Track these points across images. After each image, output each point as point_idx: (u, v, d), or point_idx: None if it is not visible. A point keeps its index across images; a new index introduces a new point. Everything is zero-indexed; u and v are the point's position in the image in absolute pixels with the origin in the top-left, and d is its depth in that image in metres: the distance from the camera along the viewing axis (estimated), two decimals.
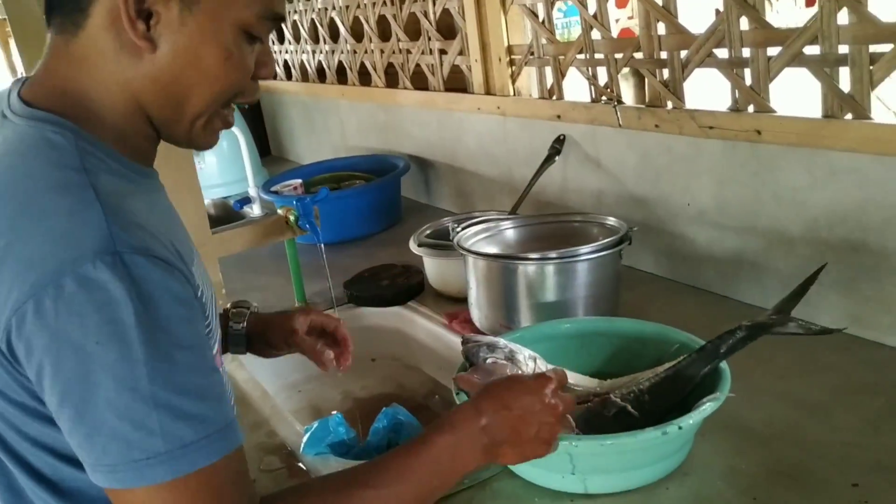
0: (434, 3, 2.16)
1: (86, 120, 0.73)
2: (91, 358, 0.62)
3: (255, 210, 2.62)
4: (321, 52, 2.93)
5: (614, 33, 1.62)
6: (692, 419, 0.93)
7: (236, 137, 2.68)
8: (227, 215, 2.98)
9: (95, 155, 0.71)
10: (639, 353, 1.18)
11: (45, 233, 0.64)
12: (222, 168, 2.99)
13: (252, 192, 2.62)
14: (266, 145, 3.66)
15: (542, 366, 1.11)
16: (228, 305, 1.17)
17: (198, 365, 0.67)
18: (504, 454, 0.86)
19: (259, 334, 1.15)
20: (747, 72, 1.34)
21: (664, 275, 1.65)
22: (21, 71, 3.43)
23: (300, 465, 1.16)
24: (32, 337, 0.63)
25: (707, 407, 0.95)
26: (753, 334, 1.02)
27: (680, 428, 0.92)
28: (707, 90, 1.61)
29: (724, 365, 1.03)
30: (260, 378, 1.48)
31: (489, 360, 1.10)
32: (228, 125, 0.81)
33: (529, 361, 1.11)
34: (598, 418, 1.06)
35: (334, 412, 1.21)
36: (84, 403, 0.63)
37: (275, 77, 3.52)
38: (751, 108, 1.36)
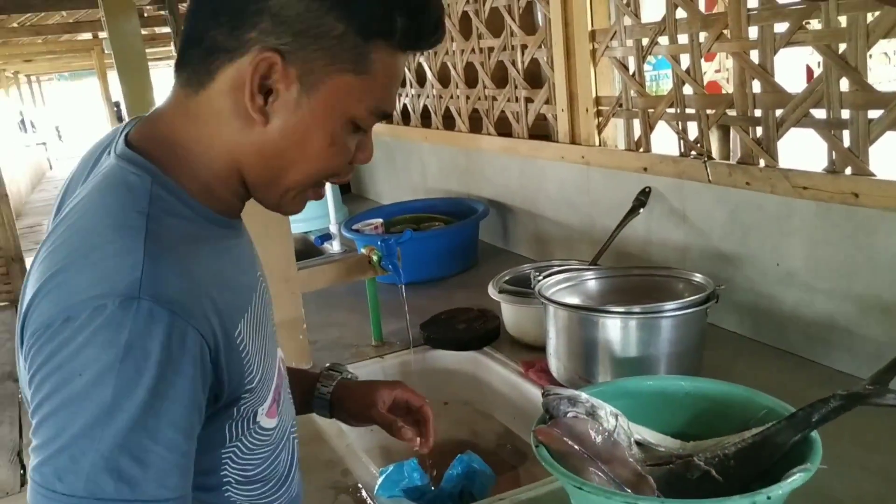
0: (522, 53, 2.19)
1: (177, 168, 0.76)
2: (70, 385, 0.64)
3: (334, 246, 2.67)
4: (407, 96, 2.99)
5: None
6: (781, 489, 0.89)
7: None
8: (307, 250, 3.05)
9: (168, 200, 0.74)
10: (724, 416, 1.15)
11: (90, 267, 0.68)
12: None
13: (333, 228, 2.66)
14: (347, 183, 3.73)
15: (624, 423, 1.09)
16: (326, 366, 1.16)
17: (159, 434, 0.66)
18: None
19: (340, 401, 1.12)
20: (846, 133, 1.32)
21: (749, 335, 1.61)
22: (116, 99, 3.60)
23: None
24: (42, 349, 0.66)
25: (797, 478, 0.91)
26: (849, 405, 0.98)
27: (768, 498, 0.88)
28: (797, 148, 1.58)
29: (814, 435, 1.00)
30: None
31: (570, 414, 1.08)
32: (319, 198, 0.84)
33: (611, 418, 1.09)
34: (681, 481, 1.03)
35: (411, 458, 1.21)
36: (47, 418, 0.65)
37: None
38: (848, 171, 1.33)
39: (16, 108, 15.14)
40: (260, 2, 0.72)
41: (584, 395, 1.10)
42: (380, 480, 1.17)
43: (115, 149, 0.78)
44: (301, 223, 3.05)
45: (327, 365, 1.16)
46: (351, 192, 3.73)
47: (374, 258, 1.68)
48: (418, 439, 1.08)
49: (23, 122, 15.11)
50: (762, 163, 1.49)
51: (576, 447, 1.05)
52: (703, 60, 1.61)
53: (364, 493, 1.20)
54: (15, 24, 7.74)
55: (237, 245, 0.85)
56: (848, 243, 1.35)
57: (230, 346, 0.73)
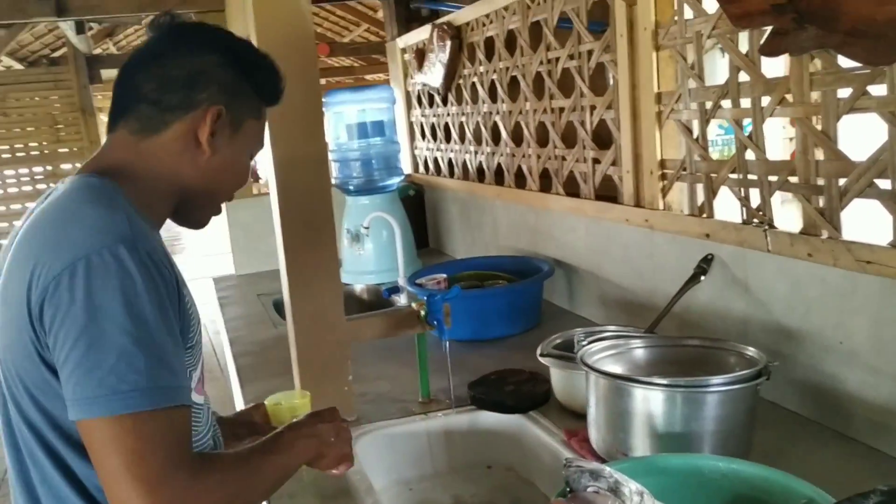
0: (591, 114, 2.17)
1: (123, 182, 1.01)
2: (104, 312, 0.87)
3: (401, 299, 2.69)
4: (482, 153, 3.01)
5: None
6: None
7: (393, 228, 2.79)
8: (377, 301, 3.08)
9: (121, 198, 0.99)
10: (762, 503, 1.07)
11: (84, 227, 0.92)
12: (378, 256, 3.10)
13: (401, 281, 2.69)
14: (426, 237, 3.77)
15: (650, 502, 1.03)
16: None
17: (172, 338, 0.93)
18: (325, 454, 1.16)
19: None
20: None
21: (809, 416, 1.50)
22: None
23: None
24: (62, 295, 0.88)
25: None
26: (890, 501, 0.90)
27: None
28: (868, 221, 1.49)
29: None
30: (370, 472, 1.48)
31: (591, 489, 1.03)
32: (219, 211, 1.18)
33: (636, 496, 1.03)
34: None
35: None
36: (92, 344, 0.87)
37: (427, 172, 3.66)
38: None
39: None
40: (207, 75, 1.06)
41: (608, 470, 1.05)
42: None
43: (68, 179, 1.04)
44: (373, 275, 3.09)
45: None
46: (429, 246, 3.76)
47: (423, 313, 1.67)
48: None
49: None
50: (825, 234, 1.41)
51: None
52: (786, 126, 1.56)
53: None
54: None
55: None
56: None
57: (183, 300, 0.98)
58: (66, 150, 7.14)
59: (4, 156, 7.01)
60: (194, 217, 1.15)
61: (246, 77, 1.10)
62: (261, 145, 1.18)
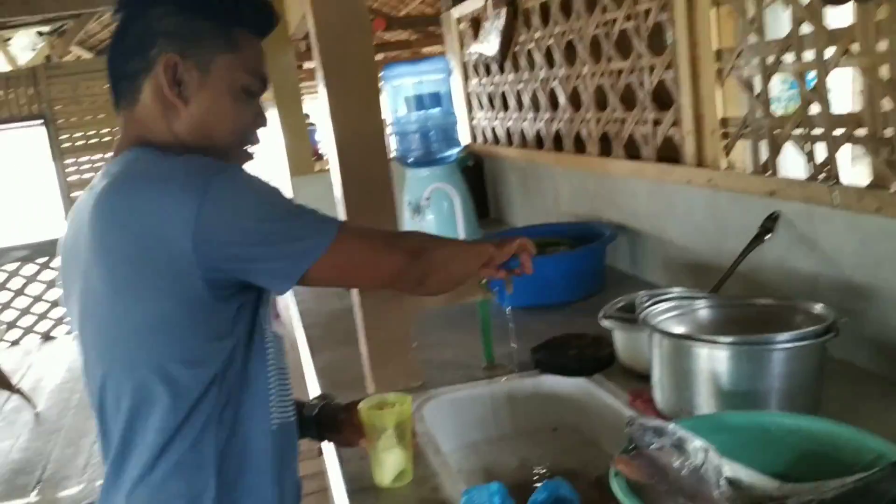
0: (650, 74, 2.14)
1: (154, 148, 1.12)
2: (263, 203, 1.06)
3: None
4: (540, 120, 3.00)
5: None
6: None
7: (453, 199, 2.81)
8: None
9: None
10: (830, 458, 1.06)
11: (183, 168, 1.04)
12: (441, 227, 3.13)
13: None
14: (486, 207, 3.78)
15: (714, 459, 1.04)
16: (317, 394, 1.50)
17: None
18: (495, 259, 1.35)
19: (326, 421, 1.39)
20: None
21: (883, 374, 1.47)
22: (276, 129, 3.89)
23: None
24: (217, 218, 1.01)
25: None
26: None
27: None
28: None
29: None
30: (438, 435, 1.52)
31: (654, 446, 1.04)
32: (251, 158, 1.20)
33: (700, 453, 1.04)
34: None
35: (495, 481, 1.20)
36: (276, 223, 1.05)
37: (486, 142, 3.66)
38: None
39: None
40: (151, 31, 1.09)
41: (671, 427, 1.05)
42: (462, 501, 1.17)
43: (105, 166, 1.16)
44: None
45: (319, 394, 1.49)
46: (489, 216, 3.77)
47: (484, 280, 1.69)
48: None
49: None
50: (894, 187, 1.38)
51: (656, 480, 1.01)
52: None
53: None
54: None
55: None
56: None
57: None
58: None
59: (79, 143, 7.26)
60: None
61: (198, 15, 1.10)
62: (255, 77, 1.15)
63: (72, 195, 7.17)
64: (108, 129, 7.30)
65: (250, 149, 1.19)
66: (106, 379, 1.10)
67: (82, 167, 7.31)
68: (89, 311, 1.10)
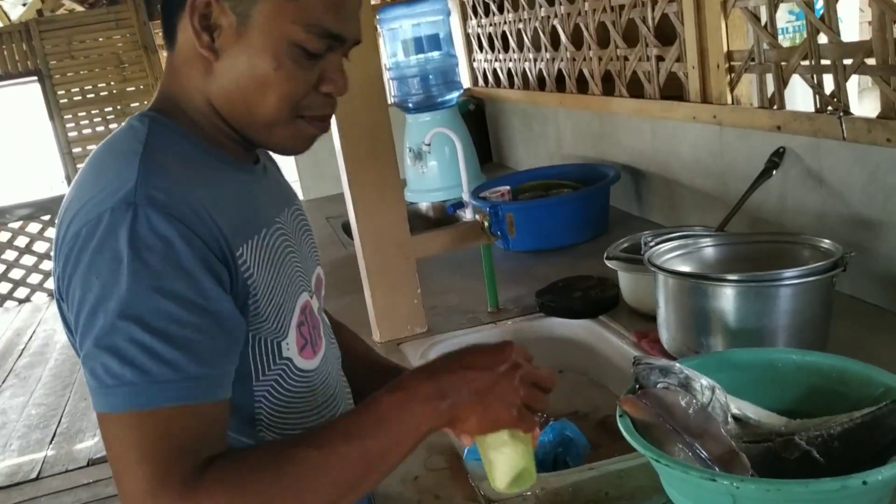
0: (653, 9, 2.08)
1: (176, 115, 0.86)
2: (90, 290, 0.73)
3: (467, 214, 2.69)
4: (542, 60, 2.94)
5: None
6: (881, 475, 0.81)
7: (455, 144, 2.77)
8: (443, 218, 3.09)
9: (166, 136, 0.83)
10: (837, 394, 1.05)
11: (98, 186, 0.78)
12: (443, 173, 3.10)
13: (465, 196, 2.68)
14: (488, 152, 3.74)
15: (721, 397, 1.03)
16: None
17: (182, 317, 0.73)
18: (464, 417, 0.80)
19: None
20: None
21: (892, 309, 1.46)
22: None
23: (465, 468, 1.17)
24: (66, 264, 0.76)
25: None
26: None
27: (864, 483, 0.81)
28: None
29: None
30: None
31: (660, 385, 1.04)
32: (323, 130, 0.90)
33: (707, 391, 1.03)
34: (778, 461, 0.96)
35: None
36: (84, 329, 0.74)
37: (487, 84, 3.59)
38: None
39: None
40: None
41: (677, 366, 1.05)
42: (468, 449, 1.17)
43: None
44: (439, 192, 3.09)
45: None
46: (492, 160, 3.73)
47: (486, 224, 1.67)
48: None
49: None
50: None
51: (662, 419, 1.00)
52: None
53: (457, 455, 1.21)
54: None
55: (249, 182, 0.91)
56: None
57: (234, 261, 0.80)
58: (133, 88, 7.27)
59: (76, 98, 7.19)
60: (264, 141, 0.89)
61: None
62: (314, 33, 0.82)
63: (73, 151, 7.13)
64: (106, 84, 7.22)
65: (310, 124, 0.87)
66: None
67: (81, 122, 7.24)
68: None
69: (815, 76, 1.54)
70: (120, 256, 0.72)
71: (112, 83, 7.27)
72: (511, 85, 3.35)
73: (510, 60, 3.29)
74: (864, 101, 1.76)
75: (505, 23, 3.22)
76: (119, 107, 7.37)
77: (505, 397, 0.81)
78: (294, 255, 0.94)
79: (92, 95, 7.25)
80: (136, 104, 7.25)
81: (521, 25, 3.07)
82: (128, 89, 7.32)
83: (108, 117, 7.36)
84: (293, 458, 0.74)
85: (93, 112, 7.30)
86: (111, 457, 0.72)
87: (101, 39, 7.28)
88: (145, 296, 0.72)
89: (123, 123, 0.87)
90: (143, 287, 0.72)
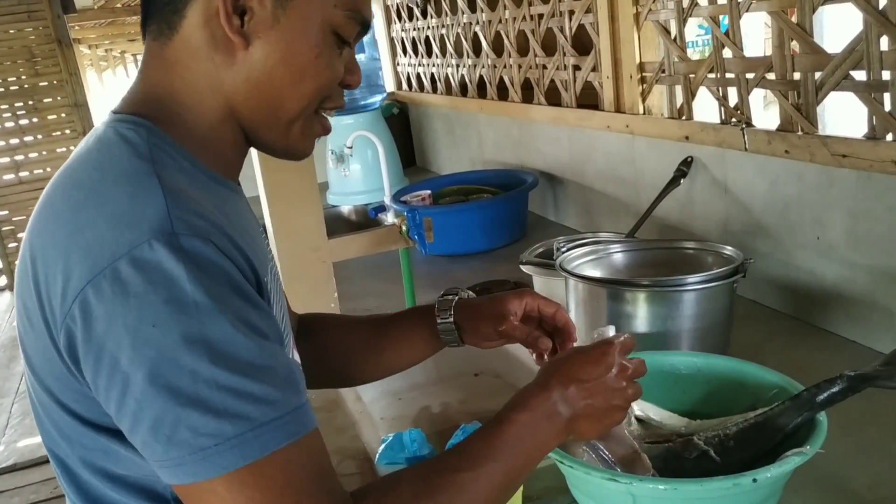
0: (570, 19, 2.13)
1: (169, 123, 0.74)
2: (149, 343, 0.60)
3: (388, 218, 2.69)
4: (464, 66, 2.96)
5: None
6: (770, 472, 0.85)
7: (377, 147, 2.77)
8: (365, 221, 3.08)
9: (167, 152, 0.71)
10: (736, 395, 1.10)
11: (106, 218, 0.64)
12: (365, 176, 3.09)
13: (387, 200, 2.68)
14: (412, 156, 3.75)
15: None
16: (441, 293, 1.07)
17: (260, 347, 0.64)
18: (581, 428, 0.83)
19: (466, 323, 1.04)
20: (886, 97, 1.22)
21: (788, 312, 1.53)
22: None
23: (377, 473, 1.17)
24: (93, 325, 0.62)
25: (791, 460, 0.86)
26: (855, 385, 0.92)
27: (754, 481, 0.84)
28: (846, 115, 1.48)
29: (822, 417, 0.94)
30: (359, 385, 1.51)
31: None
32: (326, 131, 0.83)
33: None
34: (678, 460, 0.99)
35: (413, 428, 1.21)
36: (144, 393, 0.61)
37: (410, 89, 3.61)
38: (889, 137, 1.24)
39: (124, 88, 15.78)
40: None
41: None
42: (381, 448, 1.17)
43: (102, 123, 0.76)
44: (362, 195, 3.07)
45: (442, 292, 1.07)
46: (416, 164, 3.74)
47: (404, 228, 1.67)
48: (561, 348, 1.03)
49: None
50: (801, 130, 1.41)
51: None
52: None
53: (368, 460, 1.21)
54: (119, 5, 8.08)
55: (238, 206, 0.81)
56: (891, 216, 1.26)
57: (262, 289, 0.71)
58: (46, 83, 7.01)
59: None
60: (280, 143, 0.81)
61: None
62: (353, 19, 0.77)
63: None
64: (16, 78, 6.93)
65: (319, 122, 0.81)
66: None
67: None
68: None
69: (720, 89, 1.60)
70: (179, 296, 0.61)
71: (24, 77, 6.99)
72: (434, 90, 3.37)
73: (433, 66, 3.30)
74: (769, 113, 1.83)
75: (428, 28, 3.24)
76: (31, 102, 7.09)
77: (615, 401, 0.84)
78: (282, 290, 0.89)
79: (1, 90, 6.96)
80: (50, 99, 6.99)
81: (444, 31, 3.09)
82: (40, 84, 7.04)
83: (18, 112, 7.08)
84: (445, 482, 0.72)
85: (2, 107, 7.01)
86: None
87: (11, 31, 6.99)
88: (221, 331, 0.62)
89: (101, 132, 0.73)
90: (217, 324, 0.62)
